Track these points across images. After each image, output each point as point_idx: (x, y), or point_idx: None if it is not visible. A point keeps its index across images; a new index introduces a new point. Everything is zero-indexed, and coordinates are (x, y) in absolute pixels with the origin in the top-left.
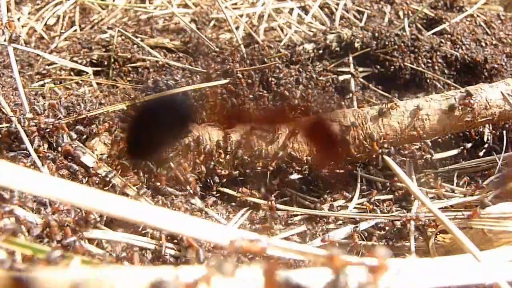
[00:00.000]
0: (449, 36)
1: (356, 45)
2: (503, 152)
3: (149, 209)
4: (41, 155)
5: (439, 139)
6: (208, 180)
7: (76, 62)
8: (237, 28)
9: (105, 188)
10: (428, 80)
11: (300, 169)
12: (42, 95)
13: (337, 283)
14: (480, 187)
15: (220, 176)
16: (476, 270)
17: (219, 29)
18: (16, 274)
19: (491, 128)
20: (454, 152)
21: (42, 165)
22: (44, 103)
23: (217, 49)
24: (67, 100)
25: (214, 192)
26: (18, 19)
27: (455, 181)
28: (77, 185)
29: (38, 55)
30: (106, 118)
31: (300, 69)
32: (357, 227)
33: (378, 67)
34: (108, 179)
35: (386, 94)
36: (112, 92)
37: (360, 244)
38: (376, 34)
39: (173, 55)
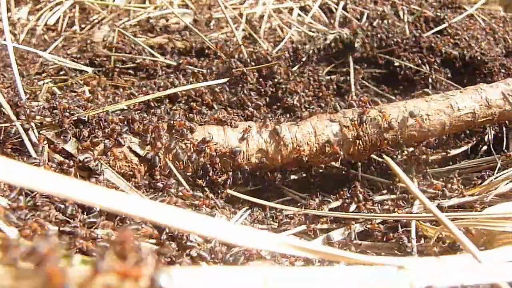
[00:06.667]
0: (449, 36)
1: (356, 45)
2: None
3: (151, 205)
4: (41, 155)
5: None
6: (211, 181)
7: (76, 62)
8: (237, 28)
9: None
10: (428, 80)
11: (300, 169)
12: (42, 95)
13: None
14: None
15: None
16: (476, 270)
17: (219, 29)
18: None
19: (491, 128)
20: (454, 152)
21: (43, 164)
22: (45, 103)
23: (217, 49)
24: (66, 100)
25: (218, 192)
26: (18, 19)
27: (455, 181)
28: (84, 182)
29: (38, 55)
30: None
31: (300, 69)
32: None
33: (378, 67)
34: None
35: (386, 94)
36: (112, 92)
37: (360, 244)
38: (376, 34)
39: (173, 55)
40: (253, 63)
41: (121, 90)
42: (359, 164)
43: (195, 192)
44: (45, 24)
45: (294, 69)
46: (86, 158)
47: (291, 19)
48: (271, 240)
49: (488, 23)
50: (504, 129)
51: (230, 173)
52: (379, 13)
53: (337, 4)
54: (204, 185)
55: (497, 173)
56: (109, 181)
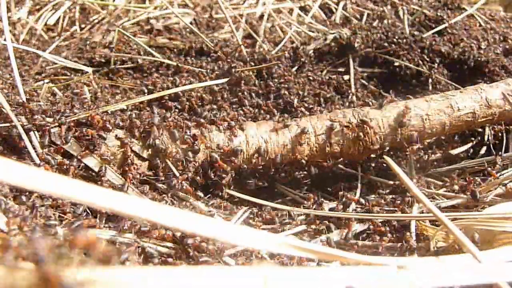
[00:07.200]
0: (449, 36)
1: (356, 45)
2: (502, 152)
3: (151, 205)
4: (41, 154)
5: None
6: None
7: (76, 62)
8: (237, 28)
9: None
10: (428, 80)
11: (301, 169)
12: (42, 95)
13: None
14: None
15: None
16: (476, 270)
17: (219, 29)
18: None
19: (491, 128)
20: (454, 151)
21: (42, 164)
22: (45, 104)
23: (217, 49)
24: (67, 100)
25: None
26: (18, 19)
27: (455, 181)
28: (90, 184)
29: (38, 55)
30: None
31: (300, 69)
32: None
33: (378, 67)
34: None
35: (386, 94)
36: (112, 92)
37: (360, 244)
38: (376, 34)
39: (173, 55)
40: (253, 63)
41: (121, 90)
42: (359, 164)
43: (197, 192)
44: (45, 24)
45: (294, 69)
46: (88, 159)
47: (291, 19)
48: (271, 240)
49: (488, 23)
50: (503, 129)
51: (230, 174)
52: (379, 13)
53: (337, 4)
54: (204, 184)
55: (497, 173)
56: (110, 182)
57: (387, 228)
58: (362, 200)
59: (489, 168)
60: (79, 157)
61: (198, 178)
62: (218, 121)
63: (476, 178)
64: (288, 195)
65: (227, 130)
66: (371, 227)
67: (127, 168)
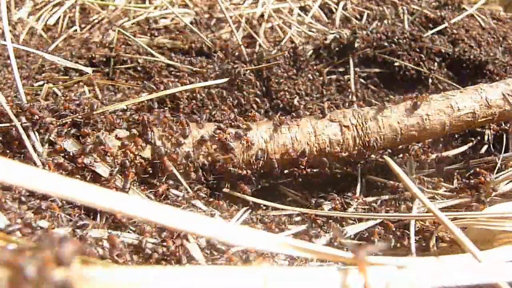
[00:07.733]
0: (449, 36)
1: (356, 45)
2: (502, 152)
3: (151, 205)
4: (41, 155)
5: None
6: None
7: (76, 62)
8: (237, 28)
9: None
10: (428, 80)
11: (301, 169)
12: (42, 95)
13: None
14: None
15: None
16: (476, 270)
17: (219, 29)
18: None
19: (491, 128)
20: (454, 151)
21: (44, 165)
22: (45, 104)
23: (217, 49)
24: (66, 101)
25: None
26: (18, 19)
27: (455, 181)
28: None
29: (38, 55)
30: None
31: (300, 69)
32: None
33: (378, 67)
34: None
35: (386, 94)
36: (112, 92)
37: (360, 244)
38: (376, 34)
39: (173, 55)
40: (253, 63)
41: (121, 90)
42: (359, 164)
43: (198, 192)
44: (45, 24)
45: (294, 69)
46: (89, 160)
47: (291, 19)
48: (271, 240)
49: (488, 23)
50: (503, 129)
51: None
52: (379, 13)
53: (337, 4)
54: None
55: (497, 173)
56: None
57: (387, 228)
58: (362, 200)
59: (482, 170)
60: (78, 157)
61: (200, 175)
62: (224, 127)
63: (477, 178)
64: (288, 195)
65: (236, 139)
66: (372, 225)
67: (127, 168)
